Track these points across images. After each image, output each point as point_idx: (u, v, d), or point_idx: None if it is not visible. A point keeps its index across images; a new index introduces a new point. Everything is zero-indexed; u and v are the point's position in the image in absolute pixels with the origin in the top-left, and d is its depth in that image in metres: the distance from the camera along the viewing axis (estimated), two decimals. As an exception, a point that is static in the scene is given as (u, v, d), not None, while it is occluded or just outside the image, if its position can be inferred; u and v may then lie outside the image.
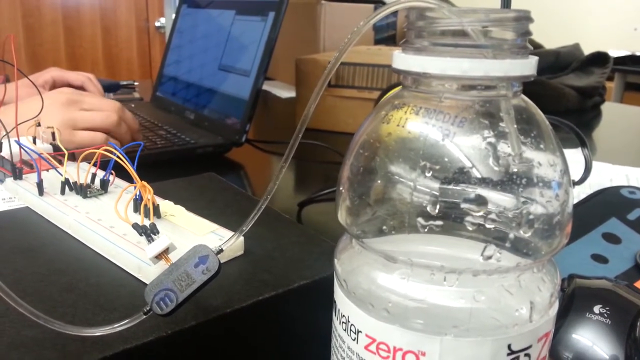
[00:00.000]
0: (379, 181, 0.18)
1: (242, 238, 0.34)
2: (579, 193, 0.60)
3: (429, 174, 0.17)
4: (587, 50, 1.22)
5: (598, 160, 0.76)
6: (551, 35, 1.44)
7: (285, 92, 1.29)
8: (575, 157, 0.68)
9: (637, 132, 1.06)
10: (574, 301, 0.35)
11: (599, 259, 0.46)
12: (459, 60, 0.17)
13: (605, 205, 0.54)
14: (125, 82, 1.24)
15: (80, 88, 0.92)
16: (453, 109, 0.18)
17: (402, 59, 0.19)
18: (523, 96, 0.19)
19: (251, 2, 0.86)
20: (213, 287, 0.30)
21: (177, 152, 0.73)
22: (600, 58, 1.17)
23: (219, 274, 0.24)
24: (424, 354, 0.18)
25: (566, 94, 1.07)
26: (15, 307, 0.24)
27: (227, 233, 0.35)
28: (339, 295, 0.21)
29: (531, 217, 0.17)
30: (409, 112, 0.18)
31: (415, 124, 0.18)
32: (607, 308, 0.33)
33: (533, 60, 0.18)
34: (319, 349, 0.27)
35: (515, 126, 0.17)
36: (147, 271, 0.30)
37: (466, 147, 0.17)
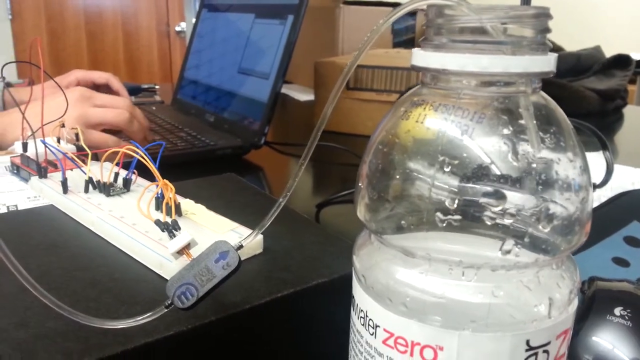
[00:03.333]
0: (398, 177, 0.19)
1: (261, 236, 0.34)
2: (600, 196, 0.59)
3: (447, 170, 0.17)
4: (609, 53, 1.21)
5: (620, 163, 0.75)
6: (572, 37, 1.42)
7: (304, 95, 1.29)
8: (596, 160, 0.67)
9: (660, 136, 1.04)
10: (594, 303, 0.34)
11: (621, 262, 0.46)
12: (478, 56, 0.17)
13: (627, 209, 0.53)
14: (146, 85, 1.26)
15: (105, 85, 0.93)
16: (472, 105, 0.18)
17: (421, 56, 0.19)
18: (543, 93, 0.19)
19: (270, 6, 0.86)
20: (232, 283, 0.30)
21: (197, 153, 0.74)
22: (622, 61, 1.16)
23: (239, 270, 0.25)
24: (442, 349, 0.18)
25: (587, 96, 1.06)
26: (41, 299, 0.24)
27: (246, 231, 0.35)
28: (357, 290, 0.21)
29: (550, 213, 0.17)
30: (427, 109, 0.18)
31: (434, 120, 0.18)
32: (628, 310, 0.33)
33: (552, 56, 0.18)
34: (336, 347, 0.27)
35: (535, 122, 0.18)
36: (168, 267, 0.30)
37: (485, 143, 0.17)
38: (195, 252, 0.27)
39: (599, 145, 0.62)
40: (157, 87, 1.27)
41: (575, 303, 0.19)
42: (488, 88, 0.18)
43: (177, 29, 2.47)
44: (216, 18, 1.01)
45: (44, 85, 0.77)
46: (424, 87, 0.20)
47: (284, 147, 0.85)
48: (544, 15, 0.18)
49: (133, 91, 1.16)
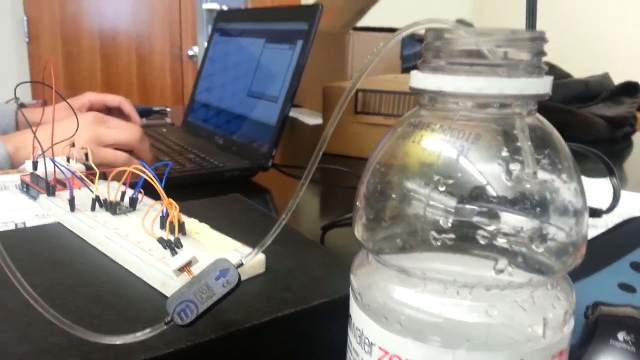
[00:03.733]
0: (394, 196, 0.19)
1: (263, 256, 0.34)
2: (607, 222, 0.59)
3: (442, 189, 0.17)
4: (617, 79, 1.21)
5: (629, 190, 0.75)
6: (581, 64, 1.43)
7: (312, 119, 1.30)
8: (603, 186, 0.67)
9: (669, 163, 1.03)
10: (597, 328, 0.34)
11: (627, 288, 0.45)
12: (474, 78, 0.18)
13: (634, 234, 0.53)
14: (158, 108, 1.28)
15: (117, 109, 0.95)
16: (468, 127, 0.18)
17: (419, 78, 0.19)
18: (539, 115, 0.19)
19: (280, 31, 0.88)
20: (233, 302, 0.30)
21: (206, 175, 0.75)
22: (630, 88, 1.16)
23: (238, 287, 0.25)
24: (436, 368, 0.18)
25: (596, 123, 1.06)
26: (44, 315, 0.25)
27: (249, 251, 0.35)
28: (354, 309, 0.21)
29: (544, 234, 0.17)
30: (424, 129, 0.19)
31: (430, 141, 0.19)
32: (632, 335, 0.33)
33: (547, 79, 0.19)
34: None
35: (529, 144, 0.18)
36: (170, 285, 0.30)
37: (480, 163, 0.17)
38: (196, 270, 0.27)
39: (606, 171, 0.62)
40: (168, 109, 1.29)
41: (571, 324, 0.19)
42: (484, 110, 0.18)
43: (190, 53, 2.51)
44: (227, 42, 1.03)
45: (58, 107, 0.79)
46: (422, 109, 0.20)
47: (291, 169, 0.86)
48: (539, 39, 0.18)
49: (144, 113, 1.17)
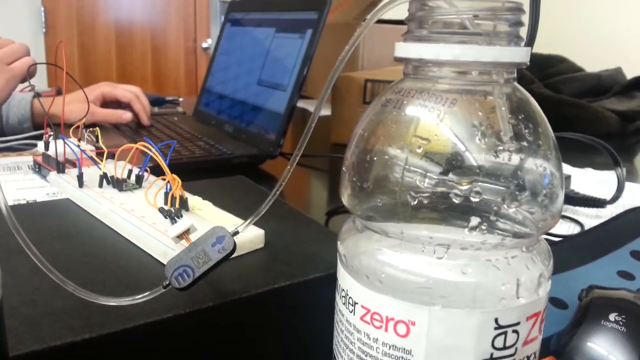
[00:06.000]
0: (375, 162, 0.20)
1: (262, 232, 0.35)
2: (611, 212, 0.59)
3: (419, 151, 0.18)
4: (630, 74, 1.20)
5: (637, 183, 0.75)
6: (594, 58, 1.42)
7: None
8: (610, 178, 0.67)
9: (681, 157, 1.03)
10: (590, 309, 0.34)
11: (626, 275, 0.46)
12: (452, 46, 0.18)
13: (636, 224, 0.53)
14: (170, 98, 1.30)
15: (128, 104, 0.97)
16: (446, 93, 0.19)
17: (401, 48, 0.20)
18: (518, 85, 0.20)
19: (290, 20, 0.89)
20: (233, 274, 0.31)
21: (214, 161, 0.76)
22: (643, 82, 1.15)
23: (233, 254, 0.26)
24: (413, 324, 0.19)
25: (607, 117, 1.06)
26: (50, 281, 0.26)
27: (250, 227, 0.36)
28: (340, 272, 0.22)
29: (516, 195, 0.18)
30: (404, 96, 0.20)
31: (409, 107, 0.19)
32: (623, 316, 0.33)
33: (524, 49, 0.19)
34: (330, 338, 0.28)
35: (504, 109, 0.18)
36: (171, 255, 0.31)
37: (456, 127, 0.18)
38: (196, 237, 0.28)
39: (614, 164, 0.62)
40: (180, 99, 1.31)
41: (546, 287, 0.20)
42: (464, 77, 0.19)
43: (204, 45, 2.53)
44: (238, 32, 1.04)
45: (75, 99, 0.84)
46: (406, 78, 0.21)
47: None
48: (516, 9, 0.19)
49: (157, 102, 1.19)
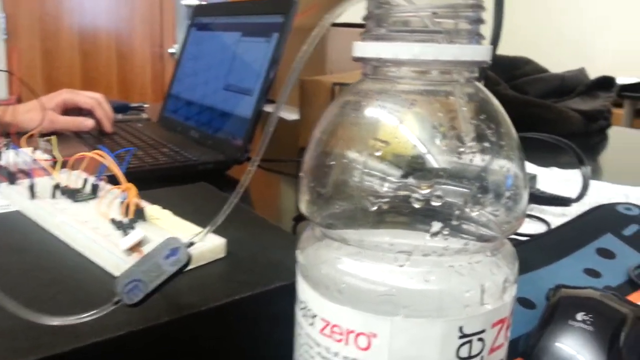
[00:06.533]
0: (333, 165, 0.19)
1: (224, 240, 0.34)
2: (577, 211, 0.59)
3: (378, 154, 0.17)
4: (593, 75, 1.22)
5: (601, 181, 0.76)
6: (558, 60, 1.44)
7: (291, 114, 1.30)
8: (575, 176, 0.68)
9: (642, 155, 1.05)
10: (557, 309, 0.34)
11: (592, 273, 0.46)
12: (411, 44, 0.18)
13: (601, 221, 0.53)
14: (135, 104, 1.27)
15: (90, 112, 0.94)
16: (405, 93, 0.18)
17: (360, 47, 0.19)
18: (479, 85, 0.19)
19: (256, 24, 0.88)
20: (191, 285, 0.30)
21: (179, 168, 0.74)
22: (605, 82, 1.17)
23: (188, 266, 0.25)
24: (375, 336, 0.18)
25: (571, 117, 1.07)
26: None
27: (210, 235, 0.35)
28: (299, 283, 0.21)
29: (479, 198, 0.17)
30: (363, 97, 0.19)
31: (368, 108, 0.18)
32: (591, 315, 0.33)
33: (485, 47, 0.19)
34: (291, 349, 0.27)
35: (465, 109, 0.18)
36: (124, 269, 0.30)
37: (416, 128, 0.17)
38: (148, 250, 0.27)
39: (579, 163, 0.63)
40: (146, 105, 1.28)
41: (512, 292, 0.19)
42: (424, 77, 0.18)
43: (171, 50, 2.49)
44: (204, 37, 1.02)
45: (34, 107, 0.81)
46: (365, 79, 0.20)
47: (267, 163, 0.86)
48: (477, 6, 0.18)
49: (120, 109, 1.16)
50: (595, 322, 0.33)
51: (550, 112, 1.07)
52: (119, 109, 1.15)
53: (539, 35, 2.54)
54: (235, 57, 0.90)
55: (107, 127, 0.93)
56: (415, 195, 0.17)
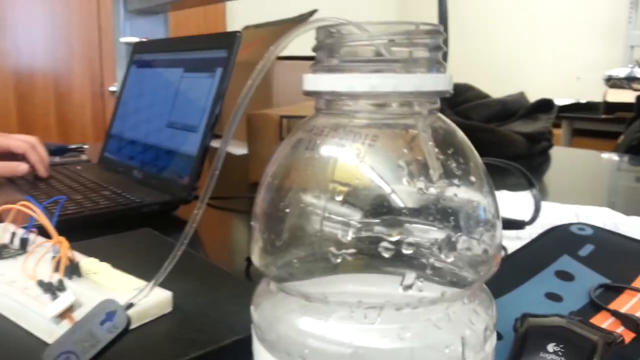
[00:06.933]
0: (289, 212, 0.17)
1: (169, 294, 0.31)
2: (531, 233, 0.59)
3: (339, 199, 0.15)
4: (533, 98, 1.26)
5: (549, 201, 0.77)
6: (498, 86, 1.49)
7: (239, 149, 1.27)
8: (525, 199, 0.68)
9: (584, 173, 1.08)
10: (526, 341, 0.33)
11: (554, 297, 0.45)
12: (367, 75, 0.16)
13: (557, 243, 0.53)
14: (74, 146, 1.21)
15: (22, 156, 0.88)
16: (365, 129, 0.16)
17: (311, 80, 0.17)
18: (442, 116, 0.18)
19: (199, 60, 0.86)
20: (134, 348, 0.27)
21: (121, 211, 0.70)
22: (545, 105, 1.21)
23: (128, 331, 0.22)
24: (346, 406, 0.15)
25: (515, 139, 1.10)
26: None
27: (154, 289, 0.32)
28: (255, 345, 0.18)
29: (453, 241, 0.15)
30: (318, 135, 0.17)
31: (324, 147, 0.17)
32: (562, 346, 0.32)
33: (447, 75, 0.17)
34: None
35: (431, 144, 0.16)
36: (58, 335, 0.26)
37: (379, 167, 0.16)
38: (82, 313, 0.24)
39: (527, 185, 0.63)
40: (85, 146, 1.22)
41: (493, 341, 0.17)
42: (383, 110, 0.17)
43: (112, 89, 2.43)
44: (145, 74, 0.99)
45: None
46: (318, 114, 0.18)
47: (216, 201, 0.82)
48: (435, 32, 0.17)
49: (58, 151, 1.11)
50: (567, 352, 0.32)
51: (494, 136, 1.09)
52: (56, 151, 1.10)
53: (479, 63, 2.63)
54: (178, 94, 0.87)
55: (42, 171, 0.88)
56: (384, 244, 0.15)
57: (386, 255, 0.15)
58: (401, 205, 0.15)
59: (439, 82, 0.17)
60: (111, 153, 0.98)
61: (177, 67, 0.91)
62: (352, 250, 0.15)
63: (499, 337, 0.39)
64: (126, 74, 1.04)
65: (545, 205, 0.72)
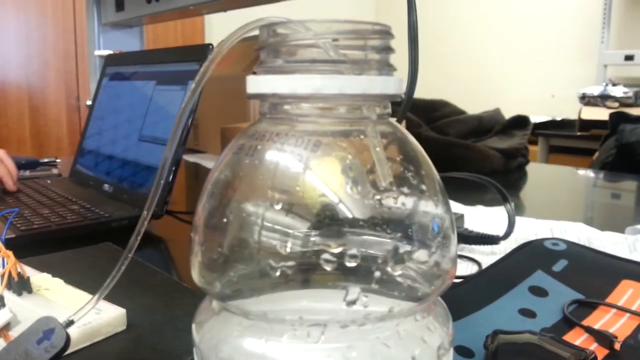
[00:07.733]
0: (229, 223, 0.15)
1: (123, 311, 0.29)
2: (505, 248, 0.59)
3: (278, 207, 0.14)
4: (508, 114, 1.27)
5: (525, 216, 0.77)
6: (474, 103, 1.50)
7: (214, 163, 1.26)
8: (500, 214, 0.68)
9: (560, 189, 1.09)
10: (497, 358, 0.32)
11: (527, 313, 0.44)
12: (311, 77, 0.15)
13: (530, 258, 0.52)
14: (46, 159, 1.19)
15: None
16: (308, 134, 0.15)
17: (253, 82, 0.16)
18: (393, 121, 0.17)
19: (171, 72, 0.85)
20: (82, 370, 0.25)
21: (89, 226, 0.68)
22: (520, 121, 1.22)
23: (67, 350, 0.20)
24: None
25: (491, 155, 1.10)
26: None
27: (107, 306, 0.30)
28: (196, 366, 0.17)
29: (401, 253, 0.14)
30: (259, 139, 0.16)
31: (265, 152, 0.16)
32: (533, 362, 0.31)
33: (396, 78, 0.16)
34: None
35: (379, 150, 0.15)
36: None
37: (322, 174, 0.15)
38: (19, 333, 0.22)
39: (502, 201, 0.63)
40: (58, 160, 1.20)
41: (449, 358, 0.16)
42: (329, 114, 0.16)
43: (88, 102, 2.40)
44: (117, 87, 0.98)
45: None
46: (262, 119, 0.17)
47: (188, 215, 0.81)
48: (384, 32, 0.16)
49: (29, 165, 1.08)
50: (538, 369, 0.31)
51: (471, 152, 1.09)
52: (27, 165, 1.07)
53: (455, 79, 2.66)
54: (150, 107, 0.86)
55: (9, 184, 0.85)
56: (325, 256, 0.14)
57: (328, 267, 0.14)
58: (346, 214, 0.14)
59: (389, 85, 0.16)
60: (82, 167, 0.96)
61: (149, 80, 0.89)
62: (291, 263, 0.14)
63: (471, 354, 0.38)
64: (98, 86, 1.03)
65: (520, 220, 0.72)
